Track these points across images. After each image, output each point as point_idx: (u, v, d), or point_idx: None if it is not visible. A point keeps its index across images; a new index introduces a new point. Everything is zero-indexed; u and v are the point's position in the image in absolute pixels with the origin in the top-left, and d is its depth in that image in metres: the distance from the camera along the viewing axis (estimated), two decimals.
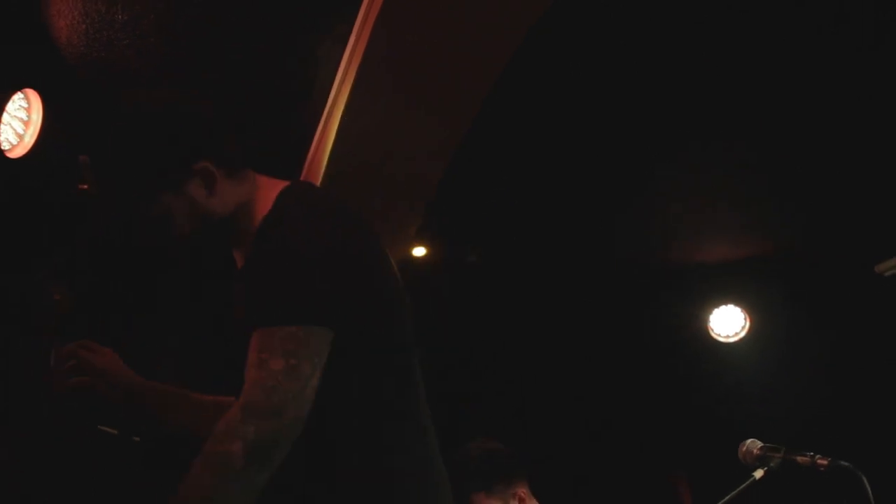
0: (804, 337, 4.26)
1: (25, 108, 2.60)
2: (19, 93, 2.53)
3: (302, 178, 3.03)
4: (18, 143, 2.58)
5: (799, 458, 1.65)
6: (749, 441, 1.71)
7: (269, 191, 1.29)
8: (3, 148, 2.53)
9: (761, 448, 1.68)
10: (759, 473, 1.59)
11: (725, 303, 4.38)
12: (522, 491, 2.65)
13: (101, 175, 1.30)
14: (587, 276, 4.27)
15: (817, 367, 4.19)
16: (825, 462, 1.64)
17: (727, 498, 1.49)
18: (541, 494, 2.71)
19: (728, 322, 4.37)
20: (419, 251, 3.82)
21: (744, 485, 1.55)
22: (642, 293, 4.32)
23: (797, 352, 4.21)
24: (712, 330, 4.40)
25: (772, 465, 1.62)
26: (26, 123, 2.61)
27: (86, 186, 1.41)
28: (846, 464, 1.62)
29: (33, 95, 2.57)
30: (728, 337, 4.37)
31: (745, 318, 4.34)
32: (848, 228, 4.16)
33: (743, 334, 4.35)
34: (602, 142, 3.46)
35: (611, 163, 3.62)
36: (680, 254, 4.35)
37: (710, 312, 4.42)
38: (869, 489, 1.56)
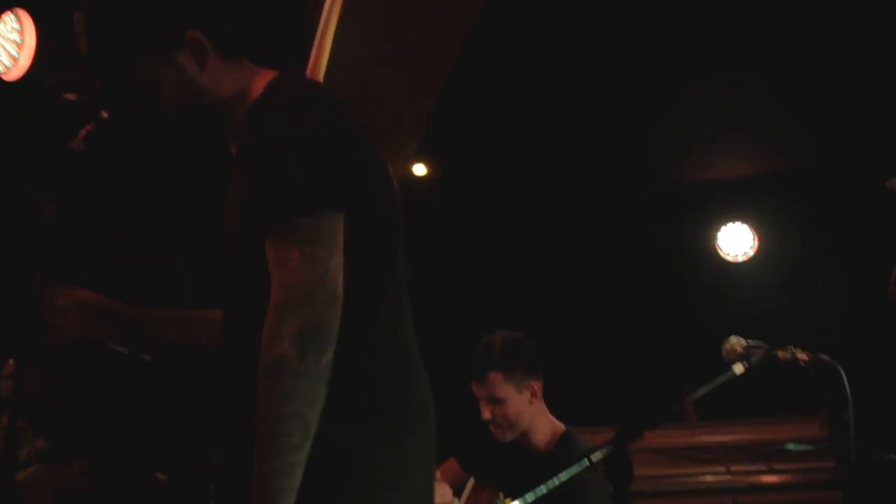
0: (813, 255, 4.23)
1: (18, 31, 2.60)
2: (10, 14, 2.53)
3: None
4: (13, 66, 2.60)
5: (780, 354, 1.67)
6: (733, 338, 1.72)
7: (264, 80, 1.28)
8: None
9: (744, 346, 1.70)
10: (739, 368, 1.61)
11: (734, 220, 4.35)
12: (537, 385, 2.73)
13: (91, 29, 1.28)
14: (595, 193, 4.26)
15: (826, 285, 4.17)
16: (806, 356, 1.66)
17: (705, 389, 1.51)
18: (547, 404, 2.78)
19: (736, 241, 4.35)
20: (419, 169, 3.82)
21: (723, 377, 1.56)
22: (651, 211, 4.31)
23: (805, 270, 4.19)
24: (720, 249, 4.38)
25: (753, 360, 1.64)
26: (20, 46, 2.61)
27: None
28: (826, 357, 1.64)
29: (25, 17, 2.57)
30: (736, 256, 4.35)
31: (754, 237, 4.31)
32: (858, 144, 4.09)
33: (751, 253, 4.33)
34: (614, 58, 3.41)
35: (622, 80, 3.57)
36: (690, 172, 4.32)
37: (719, 230, 4.39)
38: (846, 382, 1.58)
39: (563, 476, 1.21)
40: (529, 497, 1.12)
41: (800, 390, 3.93)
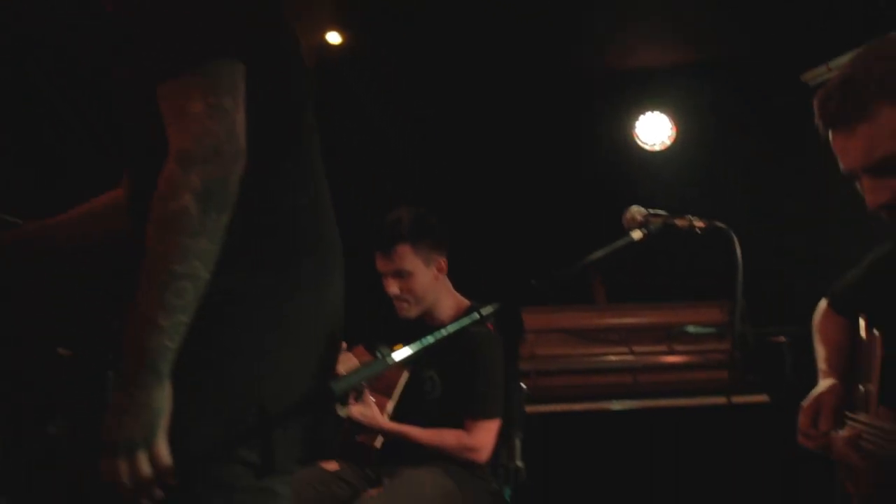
0: (729, 144, 4.31)
1: None
2: None
3: None
4: None
5: (678, 221, 1.68)
6: (634, 207, 1.73)
7: None
8: None
9: (644, 215, 1.70)
10: (637, 234, 1.62)
11: (652, 110, 4.36)
12: (443, 261, 2.73)
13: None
14: (514, 78, 4.18)
15: (741, 173, 4.26)
16: (702, 224, 1.68)
17: (601, 252, 1.51)
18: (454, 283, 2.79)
19: (654, 130, 4.37)
20: (333, 38, 3.66)
21: (620, 242, 1.57)
22: (568, 99, 4.27)
23: (722, 159, 4.26)
24: (638, 137, 4.40)
25: (652, 227, 1.65)
26: None
27: None
28: (722, 225, 1.66)
29: None
30: (654, 145, 4.39)
31: (672, 126, 4.34)
32: (777, 37, 4.10)
33: (668, 143, 4.36)
34: None
35: None
36: (609, 60, 4.27)
37: (637, 119, 4.40)
38: (738, 248, 1.61)
39: (452, 328, 1.20)
40: (416, 346, 1.11)
41: (702, 279, 4.09)
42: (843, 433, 1.27)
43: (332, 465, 2.63)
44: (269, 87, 1.20)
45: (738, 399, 3.67)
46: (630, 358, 3.88)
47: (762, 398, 3.63)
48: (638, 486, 3.51)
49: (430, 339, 1.16)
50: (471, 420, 2.58)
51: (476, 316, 1.22)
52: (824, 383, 1.61)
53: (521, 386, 1.26)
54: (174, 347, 1.07)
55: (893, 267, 1.58)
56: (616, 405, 3.66)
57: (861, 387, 1.51)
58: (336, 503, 2.52)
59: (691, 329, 3.85)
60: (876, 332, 1.39)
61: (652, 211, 1.70)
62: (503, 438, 1.19)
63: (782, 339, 3.67)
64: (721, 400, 3.67)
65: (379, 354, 1.12)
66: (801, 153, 4.20)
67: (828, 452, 1.51)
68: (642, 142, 4.41)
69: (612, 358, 3.89)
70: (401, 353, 1.15)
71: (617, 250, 1.56)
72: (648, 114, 4.37)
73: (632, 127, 4.40)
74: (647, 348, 3.90)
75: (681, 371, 3.89)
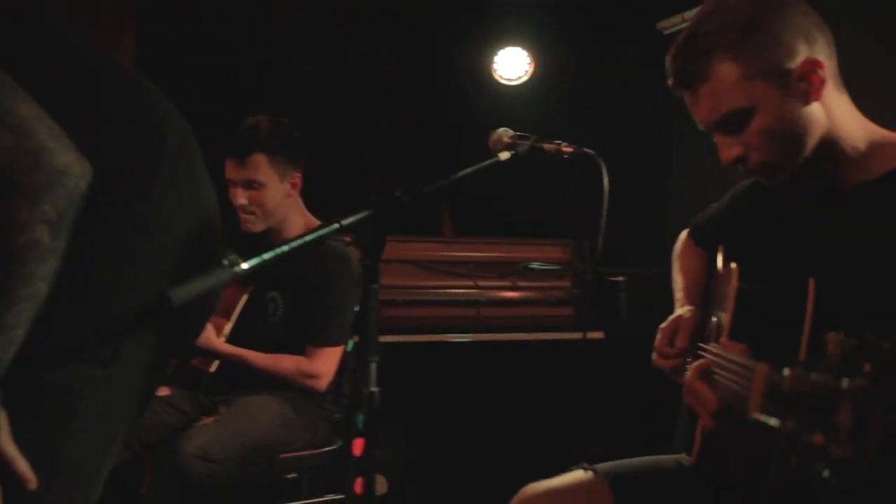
0: (585, 83, 4.35)
1: None
2: None
3: None
4: None
5: (546, 146, 1.64)
6: (501, 129, 1.66)
7: None
8: None
9: (512, 136, 1.64)
10: (504, 155, 1.55)
11: (511, 45, 4.32)
12: (298, 177, 2.58)
13: None
14: (369, 7, 4.01)
15: (597, 112, 4.32)
16: (570, 149, 1.64)
17: (470, 170, 1.43)
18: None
19: (512, 64, 4.34)
20: None
21: (487, 162, 1.50)
22: (424, 33, 4.15)
23: (578, 97, 4.30)
24: (496, 72, 4.36)
25: (519, 149, 1.59)
26: None
27: None
28: (589, 151, 1.63)
29: None
30: (511, 80, 4.36)
31: (530, 60, 4.32)
32: None
33: (525, 78, 4.35)
34: None
35: None
36: None
37: (496, 54, 4.35)
38: (606, 174, 1.59)
39: (309, 236, 1.09)
40: (269, 254, 0.98)
41: (549, 218, 4.16)
42: (695, 363, 1.28)
43: (163, 391, 2.46)
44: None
45: (575, 335, 3.78)
46: (475, 291, 3.89)
47: (599, 335, 3.76)
48: (478, 419, 3.56)
49: (284, 248, 1.04)
50: (312, 346, 2.48)
51: (335, 226, 1.11)
52: (681, 309, 1.63)
53: (378, 306, 1.16)
54: (6, 360, 1.08)
55: (752, 202, 1.61)
56: (459, 338, 3.67)
57: (714, 317, 1.54)
58: (167, 432, 2.37)
59: (536, 266, 3.91)
60: (733, 265, 1.41)
61: (520, 134, 1.64)
62: (358, 362, 1.12)
63: (620, 278, 3.79)
64: (560, 335, 3.77)
65: (226, 262, 0.98)
66: (653, 97, 4.33)
67: (678, 377, 1.54)
68: (499, 76, 4.36)
69: (457, 291, 3.89)
70: (249, 263, 1.02)
71: (480, 171, 1.48)
72: (507, 48, 4.33)
73: (491, 61, 4.35)
74: (492, 283, 3.93)
75: (523, 306, 3.95)
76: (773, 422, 0.81)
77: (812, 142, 1.32)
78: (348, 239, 2.40)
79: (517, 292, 3.96)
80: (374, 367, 1.16)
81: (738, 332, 1.32)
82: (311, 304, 2.48)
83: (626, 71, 4.35)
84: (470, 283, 3.91)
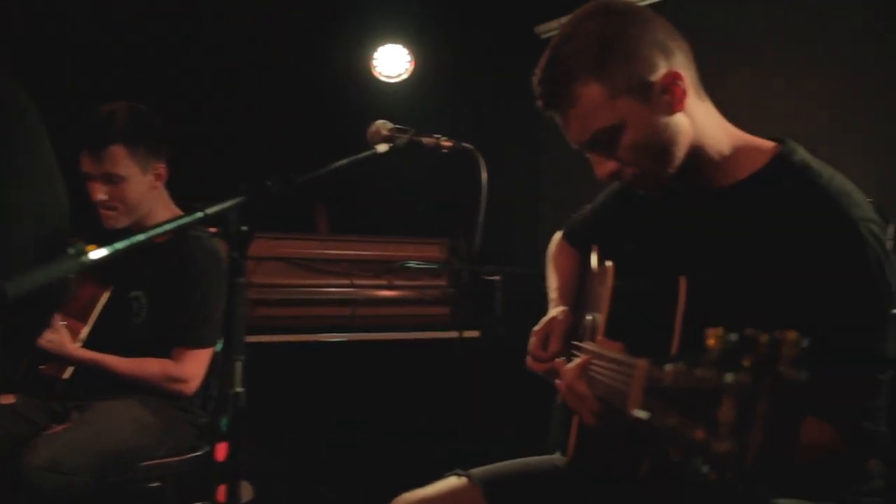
0: (465, 83, 4.36)
1: None
2: None
3: None
4: None
5: (425, 140, 1.60)
6: (379, 121, 1.61)
7: None
8: None
9: (390, 129, 1.60)
10: (382, 147, 1.51)
11: (391, 42, 4.27)
12: (163, 168, 2.42)
13: None
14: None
15: (475, 112, 4.34)
16: (449, 144, 1.62)
17: (344, 162, 1.38)
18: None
19: (392, 61, 4.29)
20: None
21: (364, 154, 1.44)
22: (303, 28, 4.05)
23: (457, 97, 4.30)
24: (375, 69, 4.30)
25: (397, 142, 1.55)
26: None
27: None
28: (468, 145, 1.61)
29: None
30: (391, 77, 4.31)
31: (410, 58, 4.29)
32: None
33: (406, 76, 4.31)
34: None
35: None
36: None
37: (375, 51, 4.30)
38: (483, 168, 1.57)
39: (169, 225, 1.00)
40: (118, 245, 0.89)
41: (425, 217, 4.14)
42: (572, 361, 1.27)
43: (7, 399, 2.26)
44: None
45: (451, 334, 3.78)
46: (350, 290, 3.82)
47: (475, 334, 3.77)
48: (353, 421, 3.50)
49: (140, 237, 0.95)
50: (179, 348, 2.35)
51: (199, 215, 1.03)
52: (554, 310, 1.63)
53: (246, 302, 1.09)
54: None
55: (625, 203, 1.63)
56: (334, 337, 3.59)
57: (589, 316, 1.54)
58: (11, 443, 2.16)
59: (412, 264, 3.88)
60: (608, 263, 1.42)
61: (399, 126, 1.60)
62: (224, 362, 1.04)
63: (496, 277, 3.82)
64: (436, 335, 3.76)
65: (71, 251, 0.89)
66: (530, 100, 4.39)
67: (553, 378, 1.53)
68: (379, 73, 4.31)
69: (332, 290, 3.81)
70: (99, 252, 0.93)
71: (356, 163, 1.43)
72: (387, 45, 4.28)
73: (370, 58, 4.29)
74: (368, 281, 3.88)
75: (400, 305, 3.92)
76: (652, 418, 0.80)
77: (681, 151, 1.34)
78: (213, 230, 2.29)
79: (393, 291, 3.92)
80: (239, 366, 1.08)
81: (613, 329, 1.33)
82: (178, 302, 2.34)
83: (504, 72, 4.39)
84: (345, 281, 3.84)
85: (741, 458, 0.66)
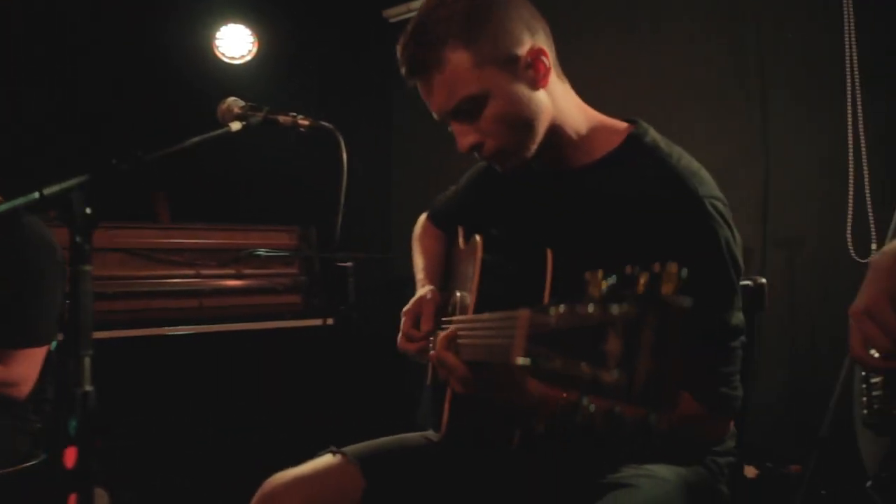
0: (310, 65, 4.26)
1: None
2: None
3: None
4: None
5: (281, 118, 1.53)
6: (230, 99, 1.53)
7: None
8: None
9: (243, 107, 1.51)
10: (236, 125, 1.43)
11: (233, 21, 4.11)
12: None
13: None
14: None
15: (321, 96, 4.26)
16: (307, 122, 1.55)
17: (196, 139, 1.29)
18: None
19: (235, 42, 4.13)
20: None
21: (217, 132, 1.36)
22: (143, 5, 3.81)
23: (303, 79, 4.20)
24: (218, 49, 4.12)
25: (252, 120, 1.47)
26: None
27: None
28: (328, 125, 1.55)
29: None
30: (234, 58, 4.14)
31: (254, 38, 4.14)
32: None
33: (249, 57, 4.16)
34: None
35: None
36: None
37: (217, 31, 4.11)
38: (344, 147, 1.53)
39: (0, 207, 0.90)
40: None
41: (272, 204, 4.02)
42: (440, 334, 1.27)
43: None
44: None
45: (304, 323, 3.70)
46: (196, 281, 3.66)
47: (327, 321, 3.70)
48: (207, 415, 3.34)
49: None
50: (9, 349, 2.14)
51: (35, 196, 0.93)
52: (423, 289, 1.62)
53: (90, 292, 1.00)
54: None
55: (490, 183, 1.64)
56: (180, 330, 3.41)
57: (458, 293, 1.54)
58: None
59: (261, 253, 3.76)
60: (477, 237, 1.42)
61: (252, 104, 1.52)
62: (69, 359, 0.95)
63: (349, 264, 3.77)
64: (288, 324, 3.66)
65: None
66: (379, 85, 4.36)
67: (425, 357, 1.53)
68: (221, 53, 4.13)
69: (177, 281, 3.63)
70: None
71: (208, 140, 1.35)
72: (230, 25, 4.11)
73: (212, 37, 4.10)
74: (214, 271, 3.72)
75: (249, 295, 3.79)
76: (538, 364, 0.80)
77: (542, 127, 1.36)
78: (53, 214, 2.10)
79: (242, 280, 3.79)
80: (87, 362, 0.99)
81: (483, 303, 1.33)
82: (7, 298, 2.13)
83: (352, 56, 4.34)
84: (191, 271, 3.66)
85: (629, 387, 0.66)
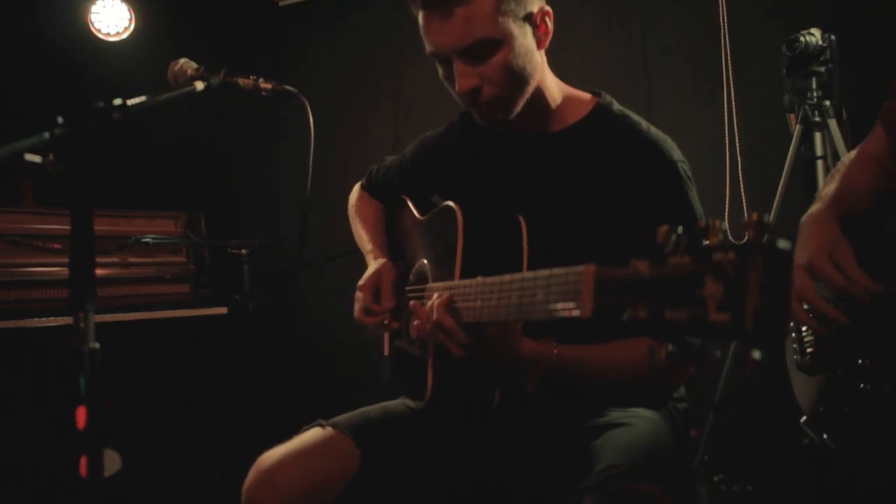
0: (192, 44, 4.08)
1: None
2: None
3: None
4: None
5: (241, 80, 1.48)
6: (183, 60, 1.46)
7: None
8: None
9: (197, 68, 1.45)
10: (200, 85, 1.37)
11: None
12: None
13: None
14: None
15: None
16: (268, 85, 1.51)
17: (167, 96, 1.23)
18: None
19: (111, 18, 3.89)
20: None
21: (180, 91, 1.30)
22: None
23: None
24: (93, 25, 3.87)
25: (212, 81, 1.41)
26: None
27: None
28: (291, 88, 1.52)
29: None
30: (110, 35, 3.91)
31: (131, 15, 3.92)
32: None
33: (125, 35, 3.93)
34: None
35: None
36: None
37: (92, 5, 3.87)
38: (309, 111, 1.50)
39: None
40: None
41: (156, 190, 3.84)
42: (436, 298, 1.26)
43: None
44: None
45: (195, 312, 3.55)
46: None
47: (221, 310, 3.58)
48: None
49: None
50: None
51: None
52: (377, 262, 1.61)
53: None
54: None
55: (439, 153, 1.66)
56: (56, 322, 3.18)
57: (417, 262, 1.55)
58: None
59: (149, 240, 3.58)
60: (452, 204, 1.42)
61: (204, 66, 1.46)
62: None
63: (243, 251, 3.65)
64: (178, 313, 3.51)
65: None
66: (269, 72, 4.23)
67: (384, 329, 1.52)
68: (96, 29, 3.89)
69: (53, 269, 3.38)
70: None
71: (171, 101, 1.28)
72: (105, 1, 3.87)
73: (86, 13, 3.85)
74: (98, 259, 3.49)
75: (135, 284, 3.59)
76: (616, 313, 0.81)
77: (533, 86, 1.42)
78: None
79: (127, 269, 3.58)
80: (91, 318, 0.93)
81: (468, 268, 1.34)
82: None
83: (238, 40, 4.19)
84: (67, 260, 3.42)
85: (741, 323, 0.69)
